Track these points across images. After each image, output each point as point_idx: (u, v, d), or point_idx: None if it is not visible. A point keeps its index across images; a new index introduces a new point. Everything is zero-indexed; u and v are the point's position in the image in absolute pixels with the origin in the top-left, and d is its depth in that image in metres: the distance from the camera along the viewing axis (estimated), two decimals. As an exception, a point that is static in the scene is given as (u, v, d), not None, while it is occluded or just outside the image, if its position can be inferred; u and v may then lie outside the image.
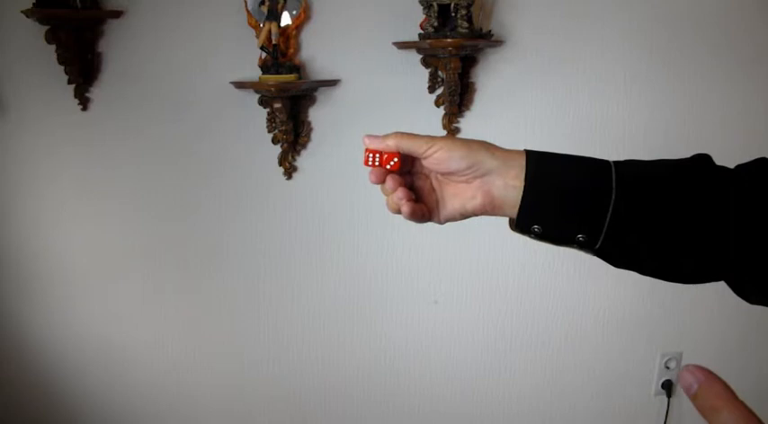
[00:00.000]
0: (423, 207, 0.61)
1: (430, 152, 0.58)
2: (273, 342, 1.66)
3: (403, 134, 0.60)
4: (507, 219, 0.61)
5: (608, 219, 0.54)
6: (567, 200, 0.55)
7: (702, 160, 0.58)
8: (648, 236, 0.55)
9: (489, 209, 0.59)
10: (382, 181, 0.61)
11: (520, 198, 0.56)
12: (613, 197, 0.54)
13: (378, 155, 0.60)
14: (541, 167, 0.56)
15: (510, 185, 0.56)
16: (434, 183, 0.63)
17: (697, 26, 1.59)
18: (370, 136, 0.61)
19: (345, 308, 1.66)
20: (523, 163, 0.56)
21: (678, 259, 0.56)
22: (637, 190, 0.54)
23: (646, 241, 0.55)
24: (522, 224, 0.57)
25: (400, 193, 0.60)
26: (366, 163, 0.61)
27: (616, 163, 0.56)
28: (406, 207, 0.60)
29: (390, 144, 0.60)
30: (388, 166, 0.60)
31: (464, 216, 0.61)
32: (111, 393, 1.64)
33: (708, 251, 0.55)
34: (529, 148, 0.58)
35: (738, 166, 0.58)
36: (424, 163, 0.60)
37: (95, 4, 1.38)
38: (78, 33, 1.38)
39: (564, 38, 1.56)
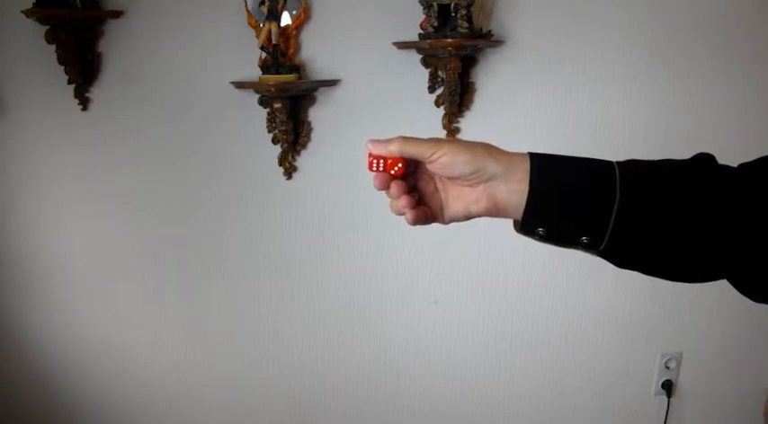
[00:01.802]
0: (426, 210, 0.62)
1: (434, 157, 0.57)
2: (273, 342, 1.66)
3: (406, 139, 0.59)
4: (508, 220, 0.61)
5: (612, 221, 0.54)
6: (571, 204, 0.55)
7: (705, 160, 0.58)
8: (652, 237, 0.55)
9: (494, 212, 0.59)
10: (387, 187, 0.60)
11: (524, 202, 0.56)
12: (617, 199, 0.54)
13: (382, 161, 0.60)
14: (545, 171, 0.56)
15: (514, 190, 0.56)
16: (439, 185, 0.62)
17: (697, 26, 1.59)
18: (373, 141, 0.60)
19: (345, 308, 1.66)
20: (527, 167, 0.56)
21: (681, 258, 0.56)
22: (640, 192, 0.55)
23: (649, 241, 0.55)
24: (526, 226, 0.57)
25: (404, 201, 0.60)
26: (370, 168, 0.60)
27: (619, 164, 0.56)
28: (409, 215, 0.60)
29: (393, 149, 0.59)
30: (392, 171, 0.60)
31: (468, 217, 0.61)
32: (111, 393, 1.64)
33: (710, 251, 0.55)
34: (531, 150, 0.58)
35: (741, 165, 0.59)
36: (429, 167, 0.60)
37: (95, 4, 1.38)
38: (78, 33, 1.38)
39: (564, 38, 1.56)
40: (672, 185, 0.55)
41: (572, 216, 0.56)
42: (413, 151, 0.58)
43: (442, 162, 0.57)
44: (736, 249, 0.55)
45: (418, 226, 0.63)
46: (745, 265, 0.55)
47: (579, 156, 0.58)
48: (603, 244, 0.56)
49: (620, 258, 0.57)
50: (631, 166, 0.56)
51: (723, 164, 0.58)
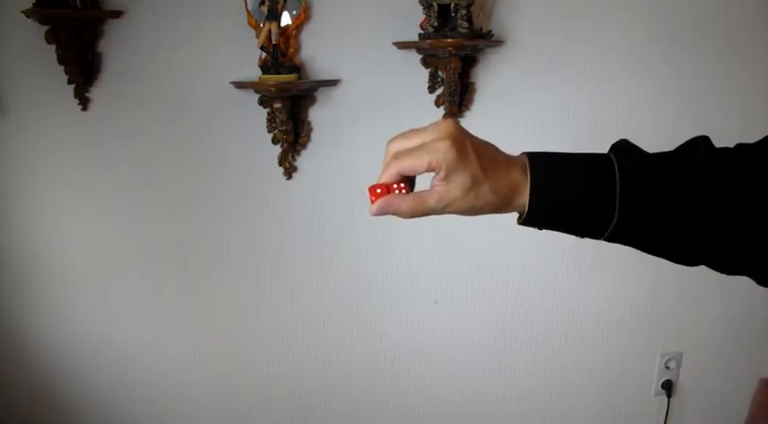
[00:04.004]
0: None
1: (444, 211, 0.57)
2: (273, 342, 1.66)
3: (415, 205, 0.56)
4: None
5: (610, 229, 0.56)
6: (572, 219, 0.57)
7: (703, 146, 0.59)
8: (649, 231, 0.56)
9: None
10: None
11: (524, 215, 0.57)
12: (616, 216, 0.55)
13: (383, 188, 0.58)
14: (546, 195, 0.56)
15: (516, 209, 0.58)
16: None
17: (697, 26, 1.59)
18: (379, 207, 0.59)
19: (345, 308, 1.66)
20: (525, 199, 0.56)
21: (675, 245, 0.57)
22: (639, 195, 0.55)
23: (646, 234, 0.57)
24: (524, 224, 0.58)
25: None
26: (375, 198, 0.59)
27: (619, 163, 0.56)
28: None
29: (406, 214, 0.58)
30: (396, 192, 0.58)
31: None
32: (111, 393, 1.64)
33: (707, 238, 0.56)
34: (531, 154, 0.58)
35: (739, 146, 0.60)
36: None
37: (95, 4, 1.38)
38: (78, 33, 1.38)
39: (564, 38, 1.56)
40: (670, 179, 0.56)
41: (571, 226, 0.58)
42: (423, 213, 0.57)
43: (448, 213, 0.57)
44: (734, 235, 0.55)
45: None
46: (742, 251, 0.55)
47: (581, 162, 0.57)
48: (602, 238, 0.58)
49: (617, 242, 0.59)
50: (629, 160, 0.57)
51: (720, 148, 0.59)
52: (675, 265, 0.59)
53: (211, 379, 1.67)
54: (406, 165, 0.55)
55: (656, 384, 1.82)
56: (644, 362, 1.81)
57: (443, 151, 0.54)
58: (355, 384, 1.72)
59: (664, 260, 0.59)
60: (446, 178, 0.54)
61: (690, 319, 1.78)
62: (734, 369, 1.83)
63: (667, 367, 1.80)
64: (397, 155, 0.56)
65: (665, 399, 1.82)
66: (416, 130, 0.56)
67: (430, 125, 0.56)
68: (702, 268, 0.59)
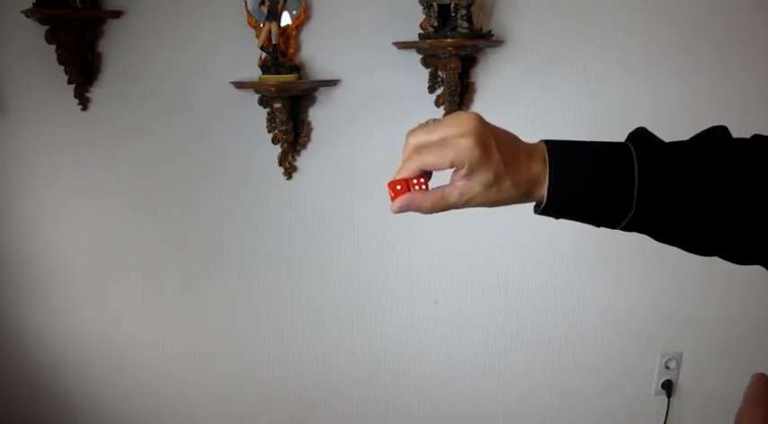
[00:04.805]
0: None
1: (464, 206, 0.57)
2: (273, 342, 1.66)
3: (437, 201, 0.55)
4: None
5: (629, 218, 0.56)
6: (590, 209, 0.57)
7: (719, 136, 0.59)
8: (665, 222, 0.57)
9: None
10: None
11: (542, 206, 0.57)
12: (635, 204, 0.55)
13: (402, 184, 0.55)
14: (565, 188, 0.56)
15: (535, 200, 0.58)
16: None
17: (697, 26, 1.59)
18: (400, 205, 0.55)
19: (345, 308, 1.66)
20: (545, 191, 0.56)
21: (690, 235, 0.58)
22: (659, 185, 0.55)
23: (661, 225, 0.57)
24: (543, 214, 0.59)
25: None
26: (395, 195, 0.56)
27: (639, 157, 0.56)
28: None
29: (427, 211, 0.56)
30: (416, 188, 0.56)
31: None
32: (111, 393, 1.64)
33: (721, 228, 0.56)
34: (550, 144, 0.60)
35: (756, 136, 0.60)
36: None
37: (95, 4, 1.38)
38: (78, 33, 1.38)
39: (564, 38, 1.56)
40: (691, 166, 0.56)
41: (589, 216, 0.58)
42: (444, 208, 0.57)
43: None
44: (750, 223, 0.55)
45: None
46: (757, 240, 0.56)
47: (599, 152, 0.59)
48: (619, 227, 0.58)
49: (633, 231, 0.59)
50: (647, 147, 0.58)
51: (737, 138, 0.60)
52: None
53: (211, 379, 1.67)
54: (428, 162, 0.54)
55: (656, 384, 1.82)
56: (644, 362, 1.81)
57: (468, 149, 0.53)
58: (355, 384, 1.72)
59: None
60: (468, 175, 0.54)
61: (690, 319, 1.78)
62: (734, 369, 1.83)
63: (667, 367, 1.80)
64: (419, 149, 0.54)
65: (665, 399, 1.82)
66: (437, 122, 0.55)
67: (451, 116, 0.55)
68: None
